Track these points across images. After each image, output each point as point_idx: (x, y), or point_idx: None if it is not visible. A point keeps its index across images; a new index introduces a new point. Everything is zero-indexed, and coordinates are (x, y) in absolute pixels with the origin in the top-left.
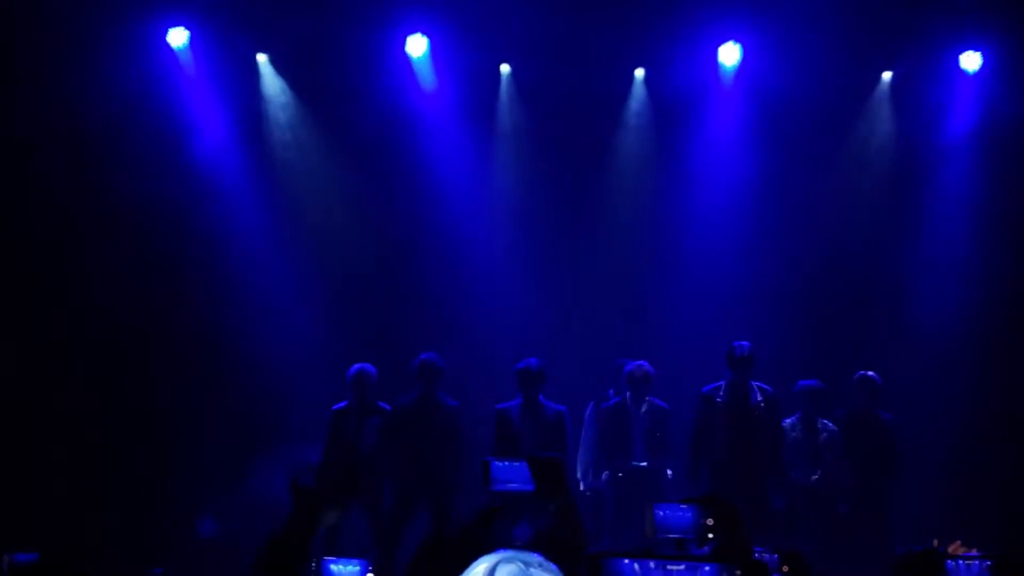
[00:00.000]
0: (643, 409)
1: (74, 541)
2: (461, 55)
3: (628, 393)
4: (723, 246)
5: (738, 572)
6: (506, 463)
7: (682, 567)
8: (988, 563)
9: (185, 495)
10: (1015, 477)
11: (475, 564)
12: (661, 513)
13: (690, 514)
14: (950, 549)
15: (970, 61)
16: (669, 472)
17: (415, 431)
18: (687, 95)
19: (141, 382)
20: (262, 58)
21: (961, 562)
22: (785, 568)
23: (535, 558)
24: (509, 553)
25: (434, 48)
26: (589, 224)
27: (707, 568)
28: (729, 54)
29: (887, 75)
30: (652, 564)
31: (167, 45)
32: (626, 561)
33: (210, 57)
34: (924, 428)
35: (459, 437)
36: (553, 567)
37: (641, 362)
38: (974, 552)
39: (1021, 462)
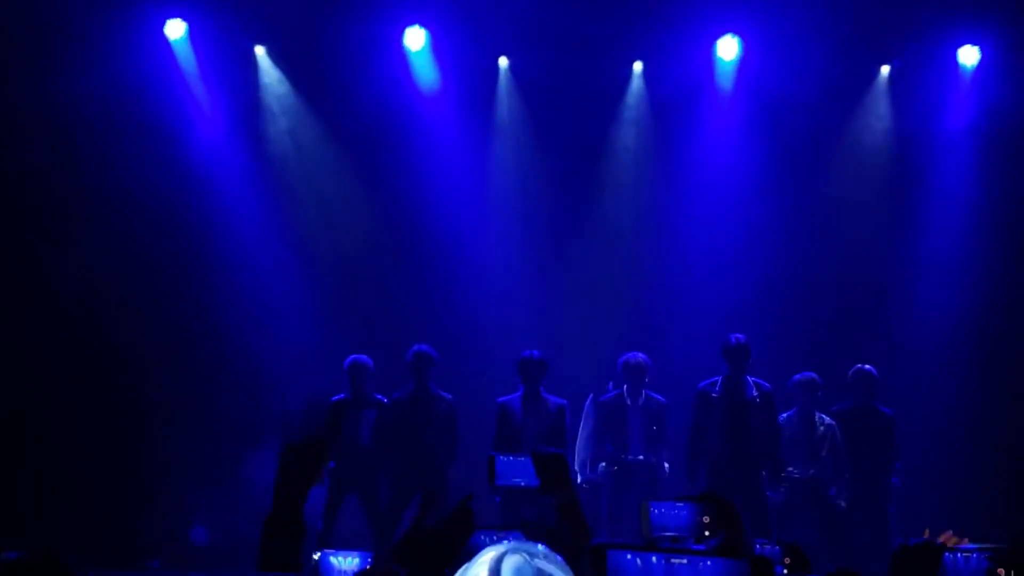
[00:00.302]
0: (640, 401)
1: (66, 537)
2: (459, 48)
3: (625, 385)
4: (721, 240)
5: (742, 567)
6: (510, 458)
7: (685, 561)
8: (987, 555)
9: (179, 490)
10: (1011, 469)
11: (480, 555)
12: (657, 511)
13: (686, 512)
14: (942, 539)
15: (968, 56)
16: (666, 466)
17: (411, 425)
18: (686, 89)
19: (134, 376)
20: (260, 50)
21: (959, 555)
22: (787, 560)
23: (540, 549)
24: (514, 544)
25: (432, 41)
26: (587, 217)
27: (710, 562)
28: (727, 48)
29: (885, 69)
30: (655, 558)
31: (164, 36)
32: (629, 555)
33: (208, 49)
34: (921, 421)
35: (454, 430)
36: (558, 558)
37: (637, 353)
38: (967, 542)
39: (1015, 455)
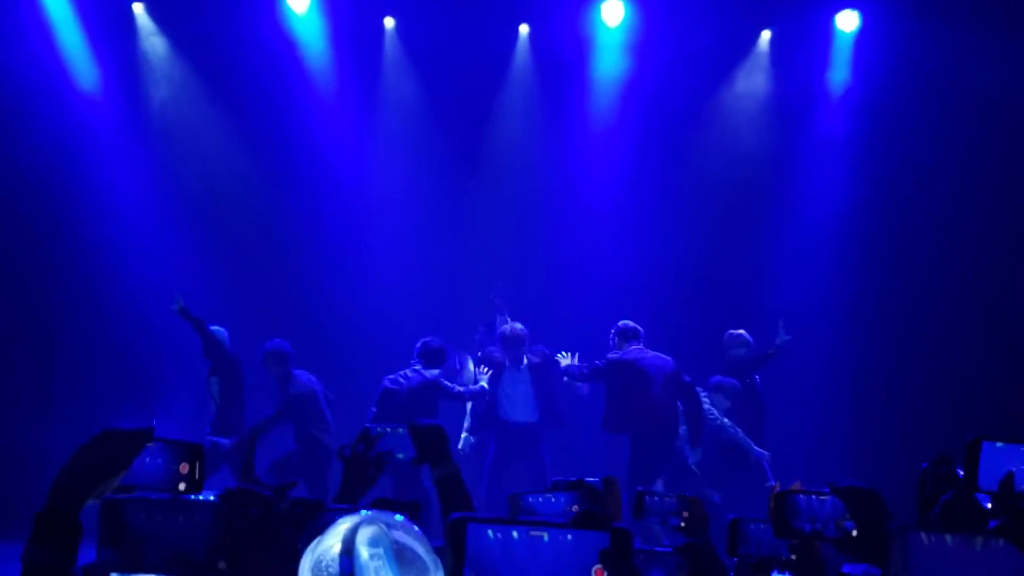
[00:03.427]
0: (522, 367)
1: None
2: (344, 7)
3: (507, 358)
4: (604, 203)
5: (601, 537)
6: (388, 430)
7: (545, 535)
8: (839, 500)
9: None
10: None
11: (334, 525)
12: (532, 500)
13: (562, 500)
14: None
15: (847, 21)
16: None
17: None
18: (571, 52)
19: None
20: (139, 8)
21: (814, 497)
22: (685, 515)
23: (398, 520)
24: (370, 514)
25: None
26: (473, 181)
27: (570, 535)
28: (612, 12)
29: (766, 33)
30: (515, 532)
31: None
32: (487, 529)
33: (85, 5)
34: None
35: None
36: (416, 530)
37: (514, 324)
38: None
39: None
